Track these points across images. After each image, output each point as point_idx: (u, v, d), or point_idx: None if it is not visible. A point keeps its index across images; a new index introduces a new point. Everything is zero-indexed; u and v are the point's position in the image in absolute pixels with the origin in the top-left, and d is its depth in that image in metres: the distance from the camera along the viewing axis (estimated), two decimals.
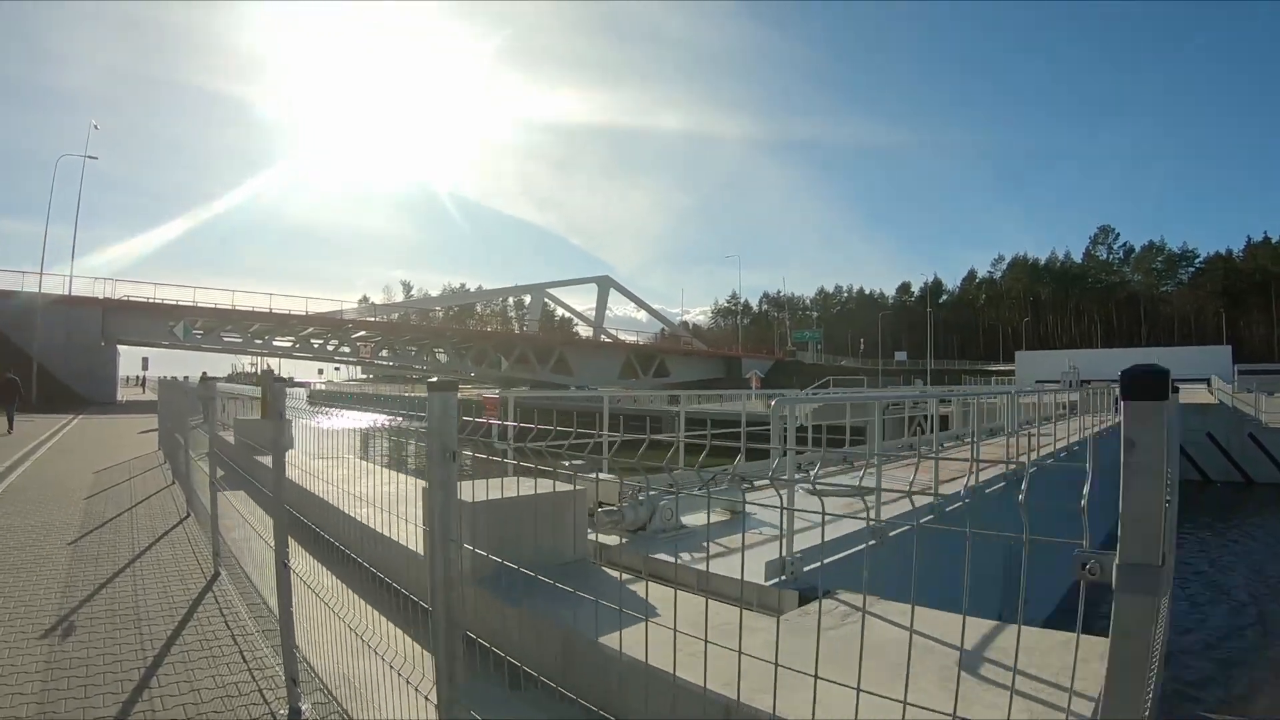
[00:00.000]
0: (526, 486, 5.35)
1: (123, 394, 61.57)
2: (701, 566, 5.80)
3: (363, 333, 73.90)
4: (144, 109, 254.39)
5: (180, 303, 60.80)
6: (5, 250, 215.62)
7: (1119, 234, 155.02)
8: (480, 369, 79.98)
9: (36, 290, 50.02)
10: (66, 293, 55.23)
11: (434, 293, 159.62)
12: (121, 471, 15.81)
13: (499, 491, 5.24)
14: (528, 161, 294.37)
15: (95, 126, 57.49)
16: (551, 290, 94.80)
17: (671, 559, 6.10)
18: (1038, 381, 73.34)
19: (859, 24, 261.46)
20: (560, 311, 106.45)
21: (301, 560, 5.28)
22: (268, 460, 5.46)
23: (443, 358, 78.19)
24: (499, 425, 8.25)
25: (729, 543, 6.86)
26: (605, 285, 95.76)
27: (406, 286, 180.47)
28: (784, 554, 5.94)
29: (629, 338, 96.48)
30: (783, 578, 5.82)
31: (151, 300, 60.15)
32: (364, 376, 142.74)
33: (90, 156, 55.14)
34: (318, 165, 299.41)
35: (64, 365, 51.28)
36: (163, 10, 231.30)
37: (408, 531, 4.34)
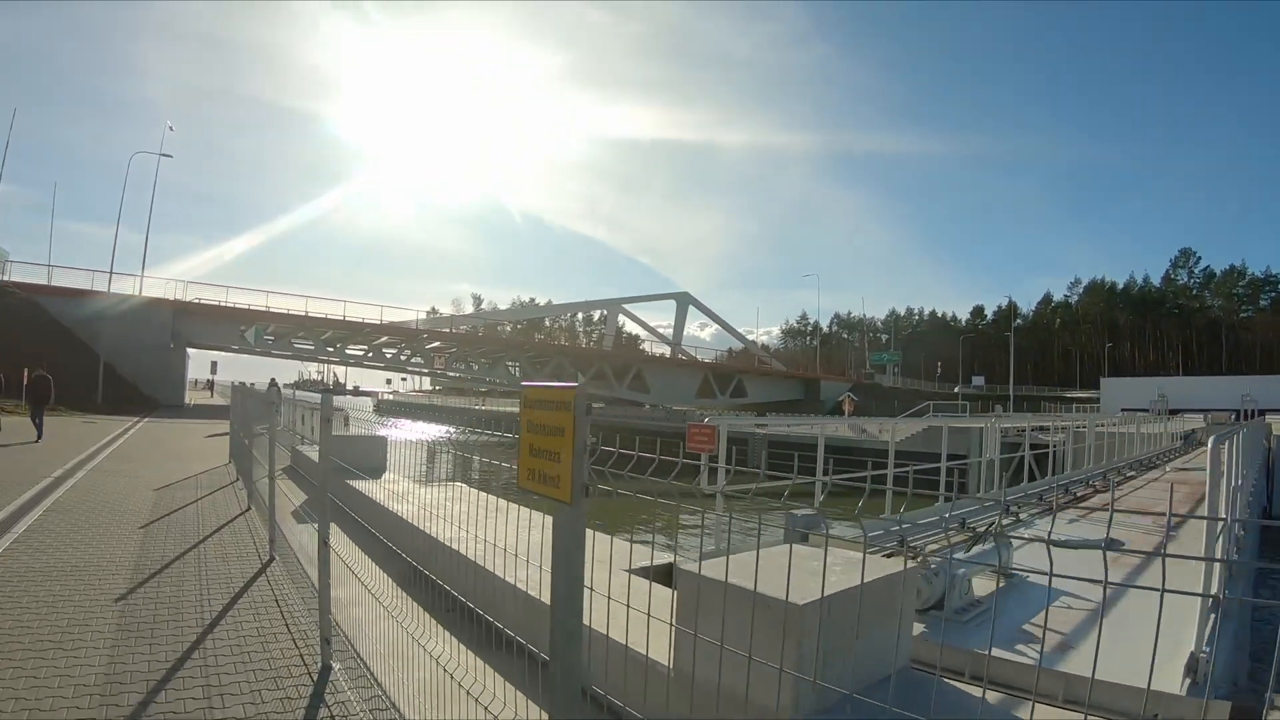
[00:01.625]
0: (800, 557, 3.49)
1: (190, 397, 60.41)
2: (1069, 668, 4.50)
3: (436, 343, 71.86)
4: (220, 124, 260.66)
5: (252, 306, 59.44)
6: (78, 254, 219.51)
7: (1200, 258, 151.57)
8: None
9: (106, 289, 48.74)
10: (138, 293, 54.09)
11: (503, 307, 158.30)
12: (187, 490, 13.44)
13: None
14: (595, 181, 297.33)
15: (170, 128, 57.68)
16: (627, 306, 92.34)
17: (1013, 655, 4.93)
18: (1123, 409, 70.68)
19: (929, 45, 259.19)
20: (629, 329, 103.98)
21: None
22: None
23: (516, 371, 76.14)
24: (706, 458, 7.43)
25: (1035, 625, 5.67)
26: (684, 302, 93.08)
27: (477, 300, 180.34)
28: (1202, 647, 4.65)
29: (703, 356, 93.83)
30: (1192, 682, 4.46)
31: (223, 304, 58.86)
32: (431, 388, 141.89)
33: (164, 154, 54.71)
34: (388, 182, 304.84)
35: (132, 366, 49.89)
36: (241, 30, 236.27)
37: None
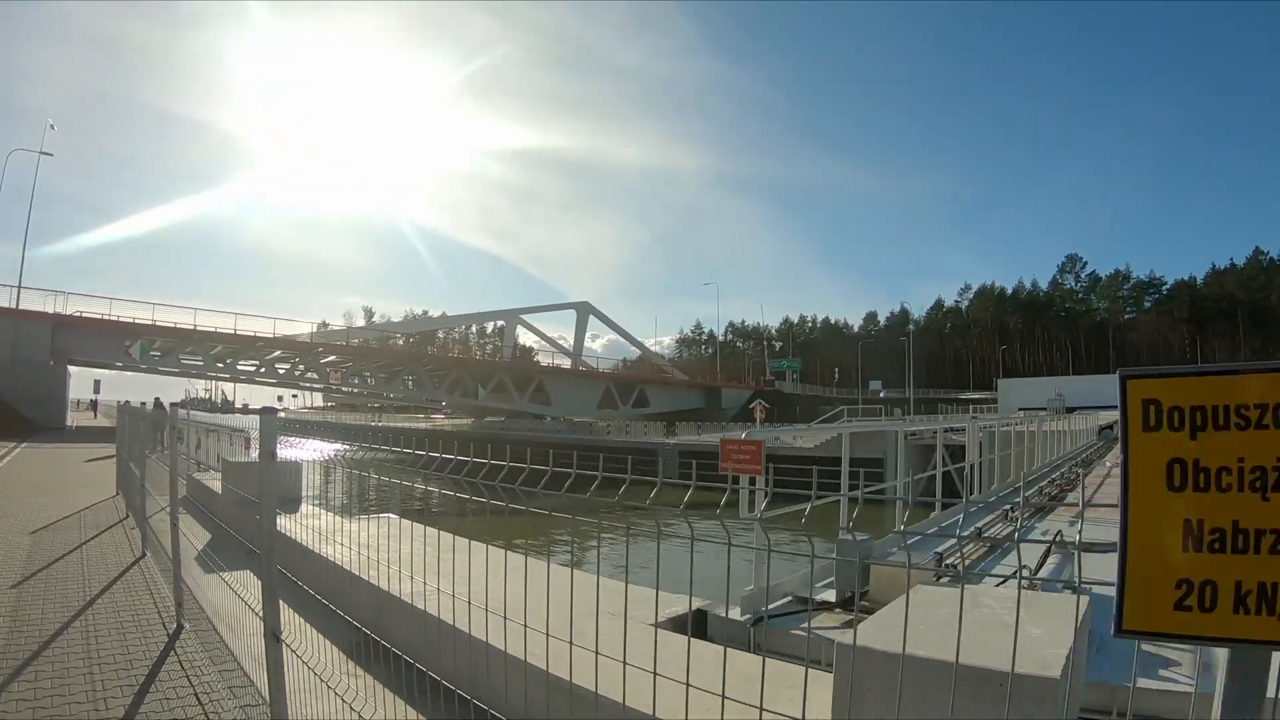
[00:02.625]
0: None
1: (73, 418, 56.80)
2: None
3: (331, 357, 69.26)
4: (102, 128, 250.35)
5: (138, 320, 56.10)
6: None
7: (1086, 262, 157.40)
8: (453, 397, 75.93)
9: None
10: (13, 304, 50.58)
11: (396, 319, 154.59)
12: (69, 531, 11.64)
13: None
14: (486, 192, 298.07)
15: (52, 126, 53.75)
16: (525, 317, 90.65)
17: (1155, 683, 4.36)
18: (1021, 409, 72.27)
19: (814, 60, 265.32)
20: (524, 340, 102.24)
21: None
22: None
23: (413, 385, 73.90)
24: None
25: None
26: (584, 311, 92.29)
27: (368, 312, 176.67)
28: None
29: (601, 367, 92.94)
30: None
31: (106, 317, 55.45)
32: (324, 405, 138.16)
33: (45, 153, 51.20)
34: (273, 192, 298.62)
35: (7, 385, 46.67)
36: (123, 30, 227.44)
37: None
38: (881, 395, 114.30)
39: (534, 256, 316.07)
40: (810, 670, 2.67)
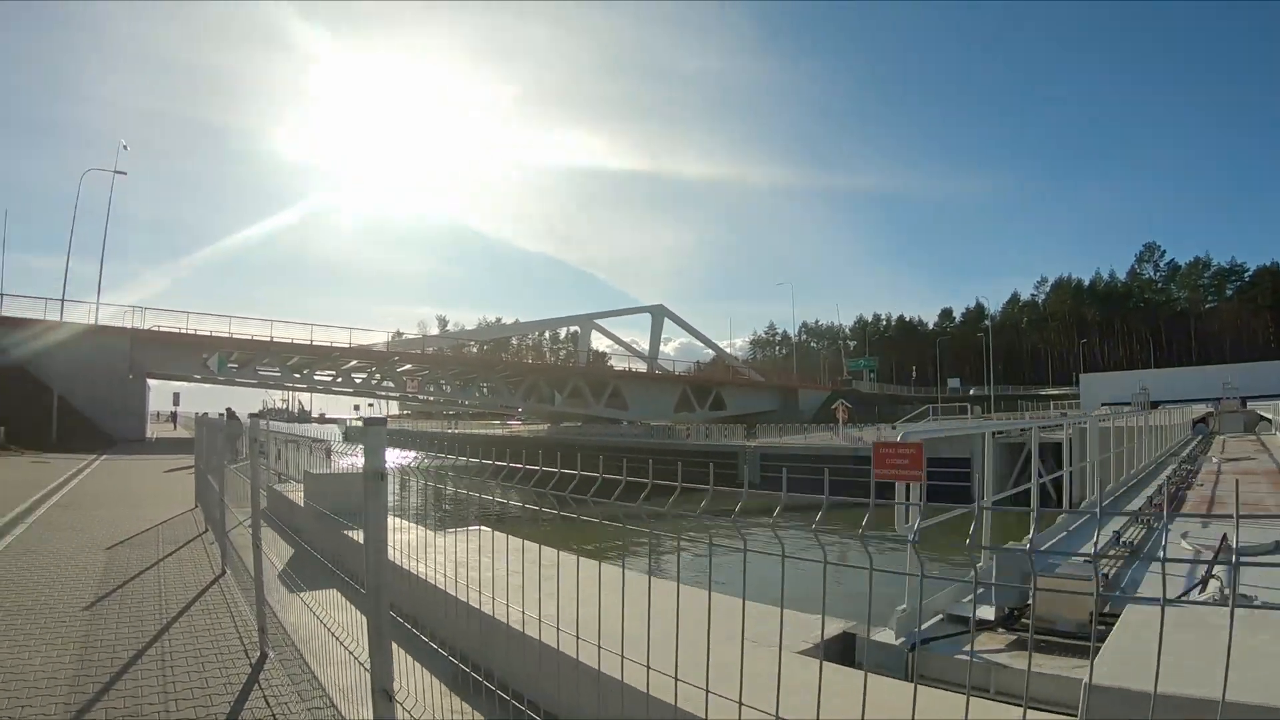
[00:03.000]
0: None
1: (153, 430, 57.51)
2: None
3: (407, 366, 69.37)
4: (172, 149, 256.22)
5: (214, 333, 56.63)
6: (28, 287, 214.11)
7: (1164, 250, 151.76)
8: (529, 404, 75.54)
9: (59, 319, 45.99)
10: (92, 322, 51.21)
11: (469, 327, 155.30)
12: (146, 547, 11.12)
13: None
14: (553, 200, 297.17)
15: (124, 146, 54.34)
16: (599, 321, 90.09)
17: None
18: (1104, 404, 70.18)
19: (872, 60, 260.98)
20: (597, 345, 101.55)
21: None
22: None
23: (488, 392, 73.75)
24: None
25: None
26: (660, 315, 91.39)
27: (442, 321, 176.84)
28: None
29: (676, 370, 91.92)
30: None
31: (183, 331, 55.92)
32: (400, 413, 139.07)
33: (119, 171, 51.72)
34: (345, 205, 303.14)
35: (88, 400, 47.17)
36: (193, 53, 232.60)
37: None
38: (970, 393, 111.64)
39: (602, 262, 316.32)
40: (973, 699, 2.31)
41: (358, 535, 7.18)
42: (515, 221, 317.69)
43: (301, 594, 6.36)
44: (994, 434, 29.40)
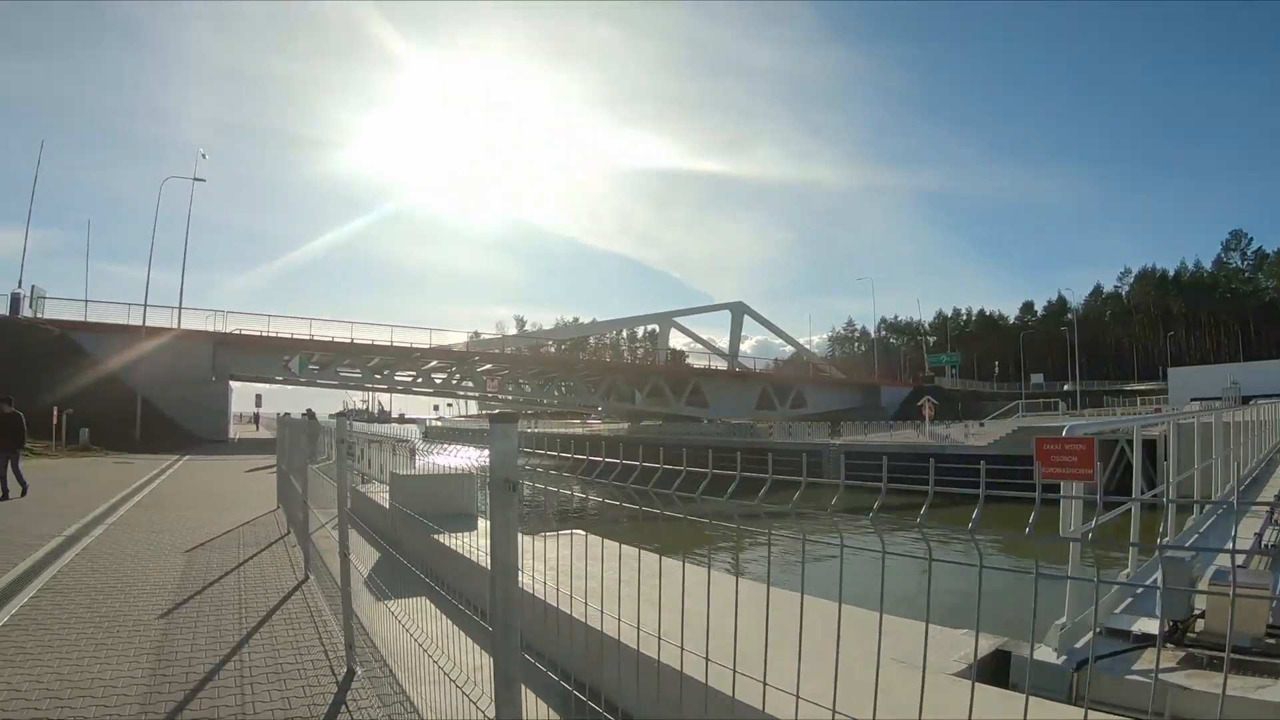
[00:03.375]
0: None
1: (235, 431, 58.23)
2: None
3: (488, 365, 69.32)
4: (247, 159, 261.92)
5: (295, 335, 57.21)
6: (113, 294, 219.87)
7: (1251, 238, 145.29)
8: (609, 403, 75.17)
9: (142, 324, 46.70)
10: (176, 326, 52.09)
11: (546, 328, 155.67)
12: (226, 550, 10.67)
13: None
14: (626, 199, 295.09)
15: (203, 155, 54.78)
16: (678, 319, 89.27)
17: None
18: (1194, 400, 67.82)
19: (947, 42, 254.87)
20: (673, 342, 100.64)
21: None
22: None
23: (568, 391, 73.45)
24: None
25: None
26: (740, 312, 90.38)
27: (520, 321, 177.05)
28: None
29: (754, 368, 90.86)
30: None
31: (265, 334, 56.71)
32: (478, 413, 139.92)
33: (198, 179, 52.21)
34: (417, 209, 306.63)
35: (172, 401, 47.94)
36: (264, 65, 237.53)
37: None
38: (1063, 388, 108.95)
39: (676, 260, 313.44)
40: None
41: (448, 540, 6.60)
42: (589, 221, 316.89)
43: (389, 602, 5.74)
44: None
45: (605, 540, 4.48)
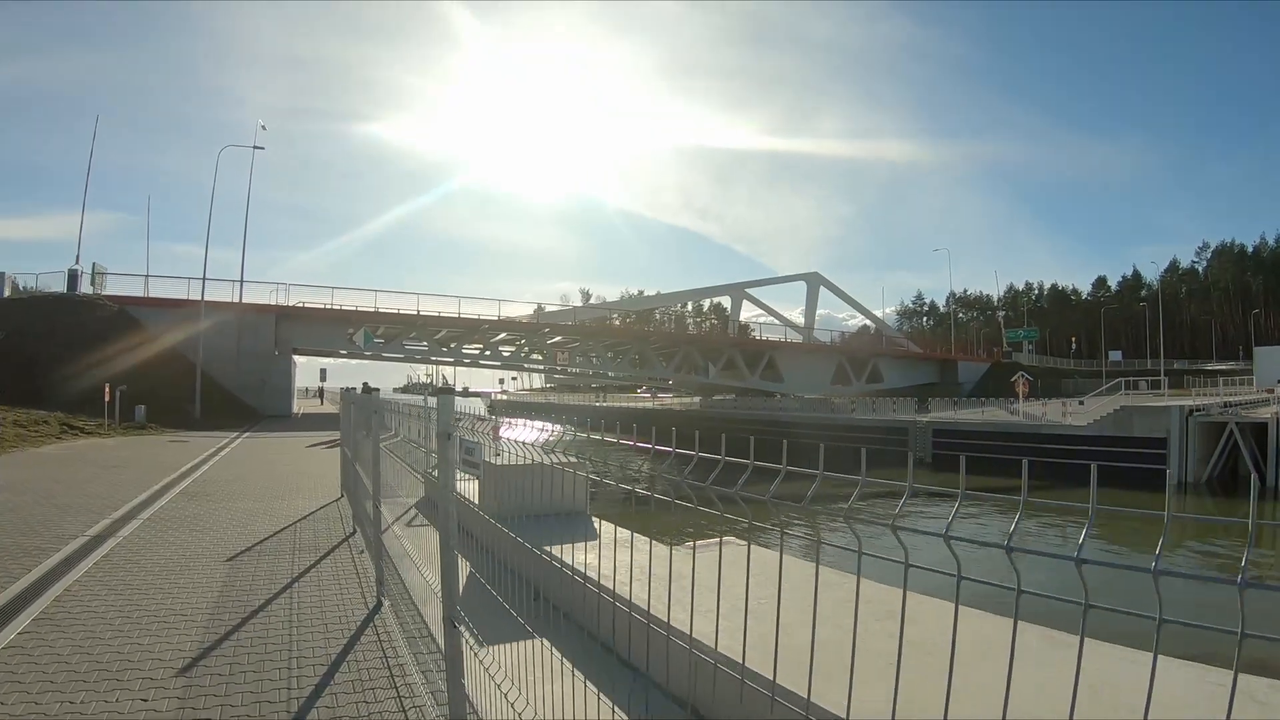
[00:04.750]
0: None
1: (300, 406, 56.99)
2: None
3: (558, 338, 67.14)
4: (308, 140, 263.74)
5: (360, 308, 55.48)
6: (173, 271, 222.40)
7: None
8: (680, 375, 72.77)
9: (202, 298, 45.36)
10: (236, 299, 50.82)
11: (611, 299, 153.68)
12: (279, 556, 8.63)
13: None
14: (688, 173, 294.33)
15: (263, 126, 53.10)
16: (750, 290, 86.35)
17: None
18: None
19: (1008, 16, 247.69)
20: (745, 315, 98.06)
21: None
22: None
23: (640, 364, 71.03)
24: None
25: None
26: (815, 282, 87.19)
27: (585, 294, 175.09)
28: None
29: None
30: None
31: (328, 306, 55.07)
32: (544, 386, 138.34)
33: (257, 147, 50.64)
34: (483, 186, 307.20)
35: (234, 376, 46.81)
36: (323, 48, 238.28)
37: None
38: (1121, 365, 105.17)
39: (739, 234, 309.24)
40: None
41: (561, 552, 4.75)
42: (651, 196, 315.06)
43: (496, 647, 3.73)
44: (1189, 413, 26.54)
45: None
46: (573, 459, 7.41)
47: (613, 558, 4.25)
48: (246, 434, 29.15)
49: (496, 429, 11.23)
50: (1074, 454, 35.86)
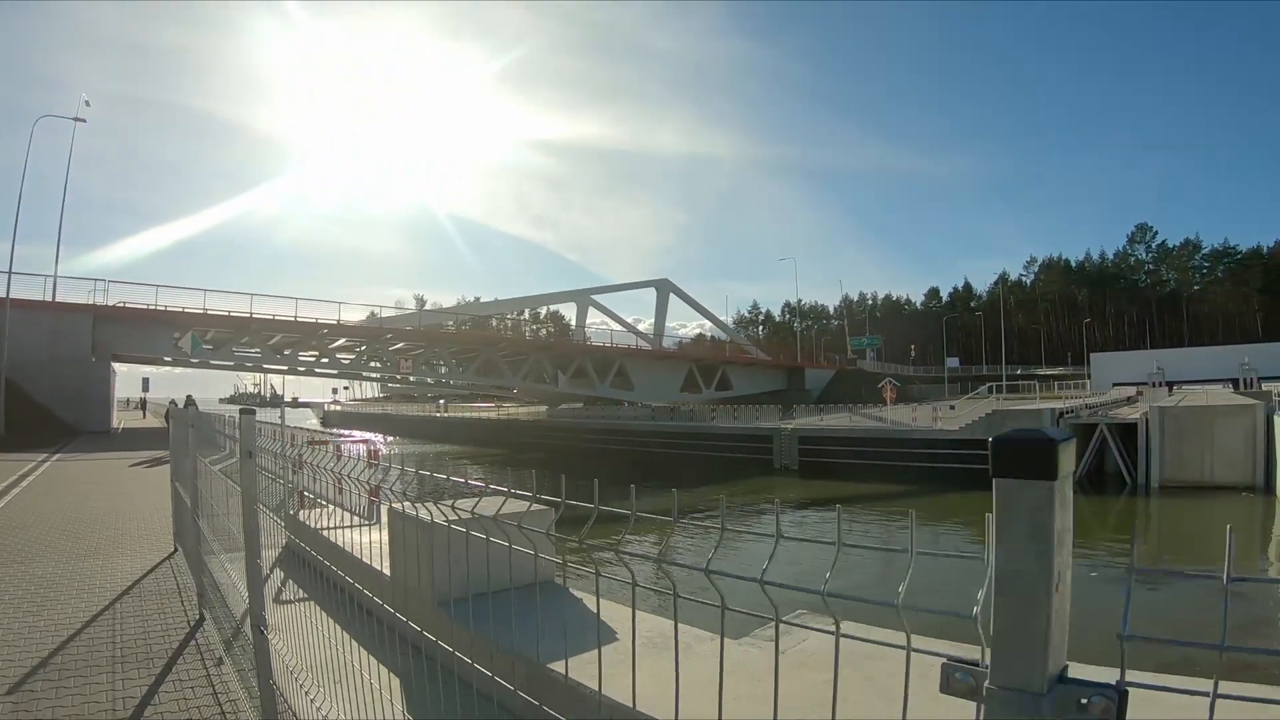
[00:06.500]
0: None
1: (120, 419, 51.77)
2: None
3: (401, 344, 63.55)
4: (138, 132, 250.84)
5: (187, 309, 50.13)
6: None
7: (1156, 232, 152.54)
8: (527, 384, 70.01)
9: (5, 294, 40.25)
10: (49, 297, 45.41)
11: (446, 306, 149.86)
12: (86, 676, 5.71)
13: None
14: (524, 181, 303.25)
15: (87, 102, 48.45)
16: (596, 297, 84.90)
17: None
18: (1115, 384, 68.12)
19: (846, 39, 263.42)
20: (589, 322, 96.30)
21: None
22: None
23: (485, 372, 68.06)
24: None
25: None
26: (665, 289, 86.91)
27: (420, 300, 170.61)
28: None
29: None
30: None
31: (152, 307, 49.54)
32: (378, 396, 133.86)
33: (79, 119, 46.23)
34: (313, 188, 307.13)
35: (45, 386, 41.63)
36: (159, 35, 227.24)
37: None
38: (959, 371, 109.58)
39: (573, 243, 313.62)
40: None
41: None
42: (487, 202, 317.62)
43: None
44: (1060, 415, 27.84)
45: None
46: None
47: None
48: (58, 456, 25.06)
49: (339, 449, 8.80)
50: (946, 458, 36.93)
